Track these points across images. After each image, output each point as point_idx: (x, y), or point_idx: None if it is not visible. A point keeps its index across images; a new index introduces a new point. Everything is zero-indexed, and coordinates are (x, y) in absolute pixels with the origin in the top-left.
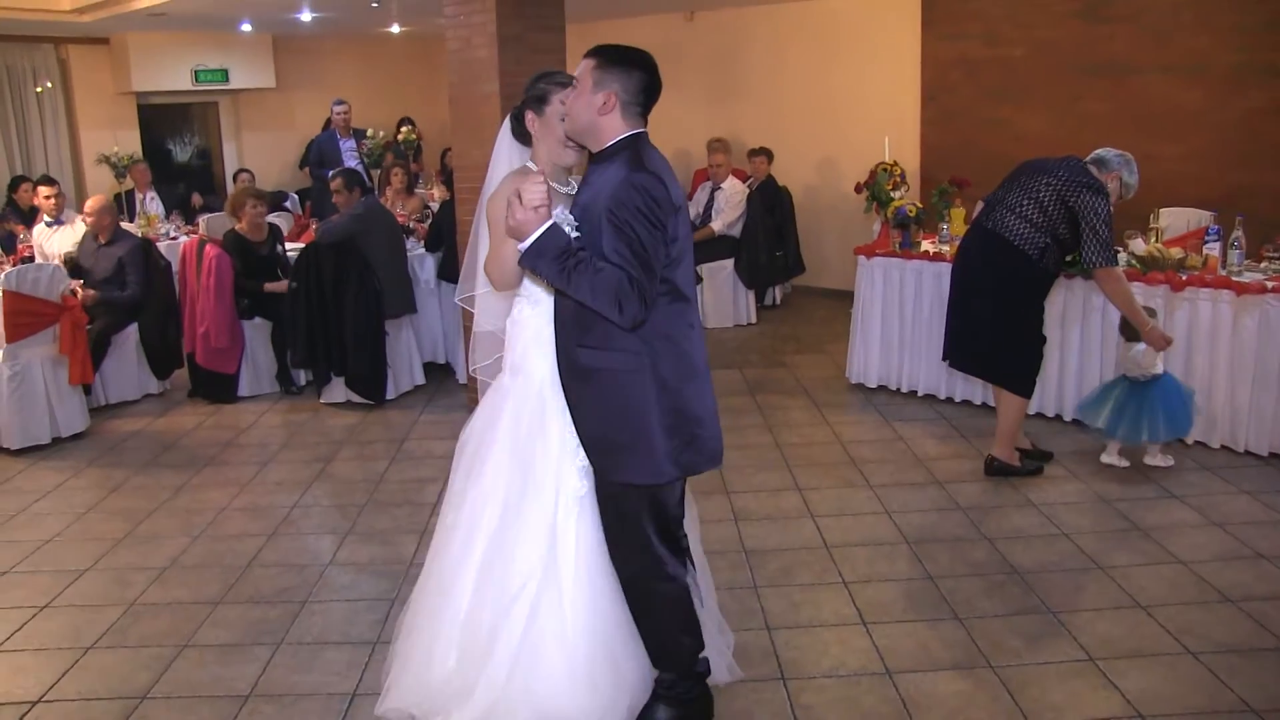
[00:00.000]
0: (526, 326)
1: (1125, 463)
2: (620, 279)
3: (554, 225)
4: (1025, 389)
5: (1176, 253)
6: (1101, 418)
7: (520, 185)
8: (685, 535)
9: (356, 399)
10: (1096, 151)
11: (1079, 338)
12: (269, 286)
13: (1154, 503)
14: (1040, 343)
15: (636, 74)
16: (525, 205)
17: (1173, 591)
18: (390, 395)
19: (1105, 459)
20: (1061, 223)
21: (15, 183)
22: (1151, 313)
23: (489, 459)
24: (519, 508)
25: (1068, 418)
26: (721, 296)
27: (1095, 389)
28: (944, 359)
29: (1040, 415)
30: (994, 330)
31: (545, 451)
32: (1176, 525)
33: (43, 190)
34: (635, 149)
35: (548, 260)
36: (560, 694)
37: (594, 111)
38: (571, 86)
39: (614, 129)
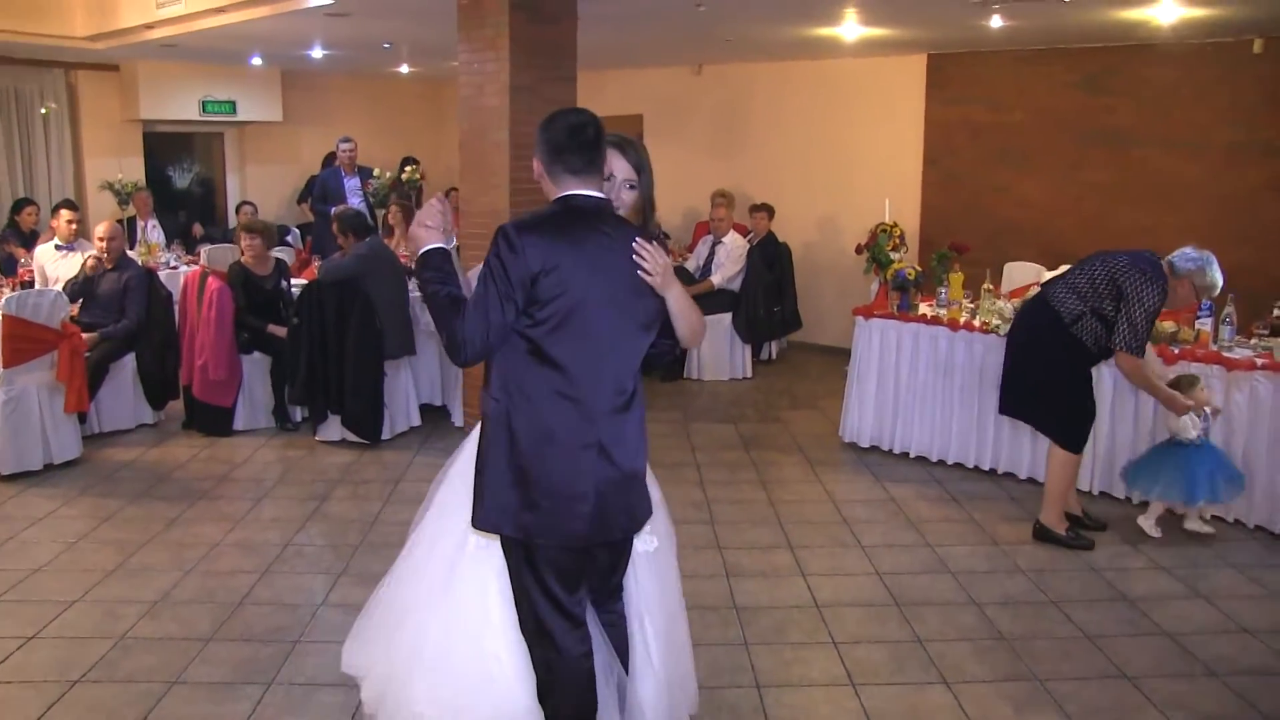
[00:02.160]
0: None
1: (1159, 533)
2: (455, 314)
3: (439, 248)
4: (1071, 443)
5: (1169, 326)
6: (1144, 478)
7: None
8: (583, 609)
9: (352, 438)
10: (1177, 251)
11: (1133, 411)
12: (271, 328)
13: (1141, 573)
14: (1084, 406)
15: (550, 135)
16: (418, 221)
17: (1159, 663)
18: (386, 435)
19: (1142, 522)
20: (1106, 299)
21: (19, 205)
22: (1193, 380)
23: (435, 495)
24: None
25: (1096, 491)
26: (719, 350)
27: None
28: (999, 410)
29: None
30: (1033, 384)
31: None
32: (1163, 596)
33: (64, 214)
34: (562, 211)
35: (422, 273)
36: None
37: (537, 179)
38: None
39: (550, 192)
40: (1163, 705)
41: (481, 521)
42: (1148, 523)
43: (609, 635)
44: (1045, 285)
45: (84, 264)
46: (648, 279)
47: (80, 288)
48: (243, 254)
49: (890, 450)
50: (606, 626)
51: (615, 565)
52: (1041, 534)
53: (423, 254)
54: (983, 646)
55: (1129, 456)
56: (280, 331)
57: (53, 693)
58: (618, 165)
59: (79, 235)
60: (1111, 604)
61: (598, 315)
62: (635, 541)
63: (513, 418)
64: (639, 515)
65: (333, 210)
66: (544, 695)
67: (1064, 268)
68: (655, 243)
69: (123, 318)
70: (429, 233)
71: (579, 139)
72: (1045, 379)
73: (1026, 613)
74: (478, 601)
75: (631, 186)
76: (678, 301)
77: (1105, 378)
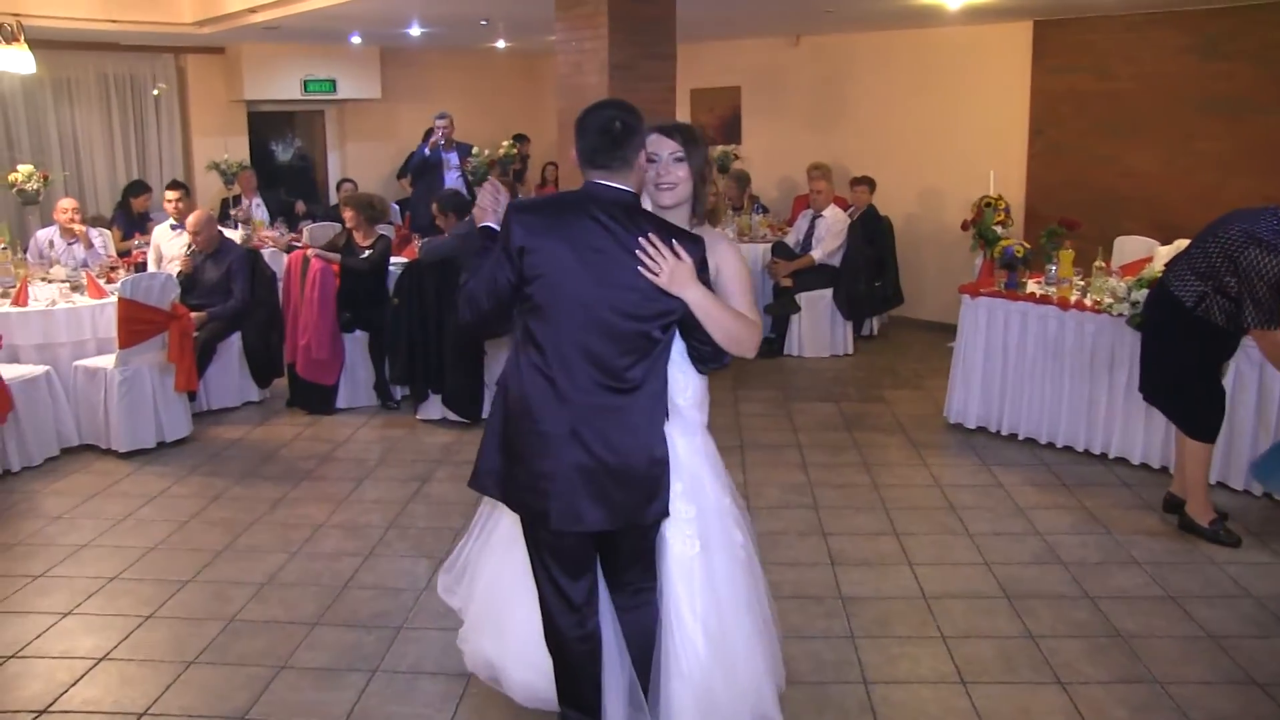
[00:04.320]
0: None
1: None
2: (468, 281)
3: (488, 226)
4: (1198, 433)
5: None
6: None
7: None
8: (584, 595)
9: (452, 417)
10: None
11: (1255, 397)
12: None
13: (1269, 569)
14: (1211, 392)
15: (580, 128)
16: (477, 204)
17: None
18: (486, 415)
19: None
20: (1227, 274)
21: (135, 189)
22: None
23: None
24: None
25: (1214, 481)
26: (819, 326)
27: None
28: (1140, 390)
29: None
30: (1163, 372)
31: None
32: None
33: (170, 194)
34: (565, 197)
35: (473, 245)
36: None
37: (574, 166)
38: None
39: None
40: None
41: (473, 480)
42: None
43: (626, 626)
44: (1167, 267)
45: (180, 264)
46: (651, 277)
47: (185, 281)
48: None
49: (997, 432)
50: (623, 611)
51: (620, 558)
52: (1186, 525)
53: (483, 227)
54: (1097, 644)
55: (1250, 446)
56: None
57: (169, 673)
58: (664, 145)
59: (189, 212)
60: (1236, 601)
61: (574, 301)
62: (673, 543)
63: (508, 388)
64: (627, 511)
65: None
66: (554, 671)
67: (1179, 242)
68: (678, 244)
69: (229, 299)
70: (481, 213)
71: (604, 135)
72: (1173, 367)
73: (1143, 609)
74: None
75: (679, 159)
76: (699, 305)
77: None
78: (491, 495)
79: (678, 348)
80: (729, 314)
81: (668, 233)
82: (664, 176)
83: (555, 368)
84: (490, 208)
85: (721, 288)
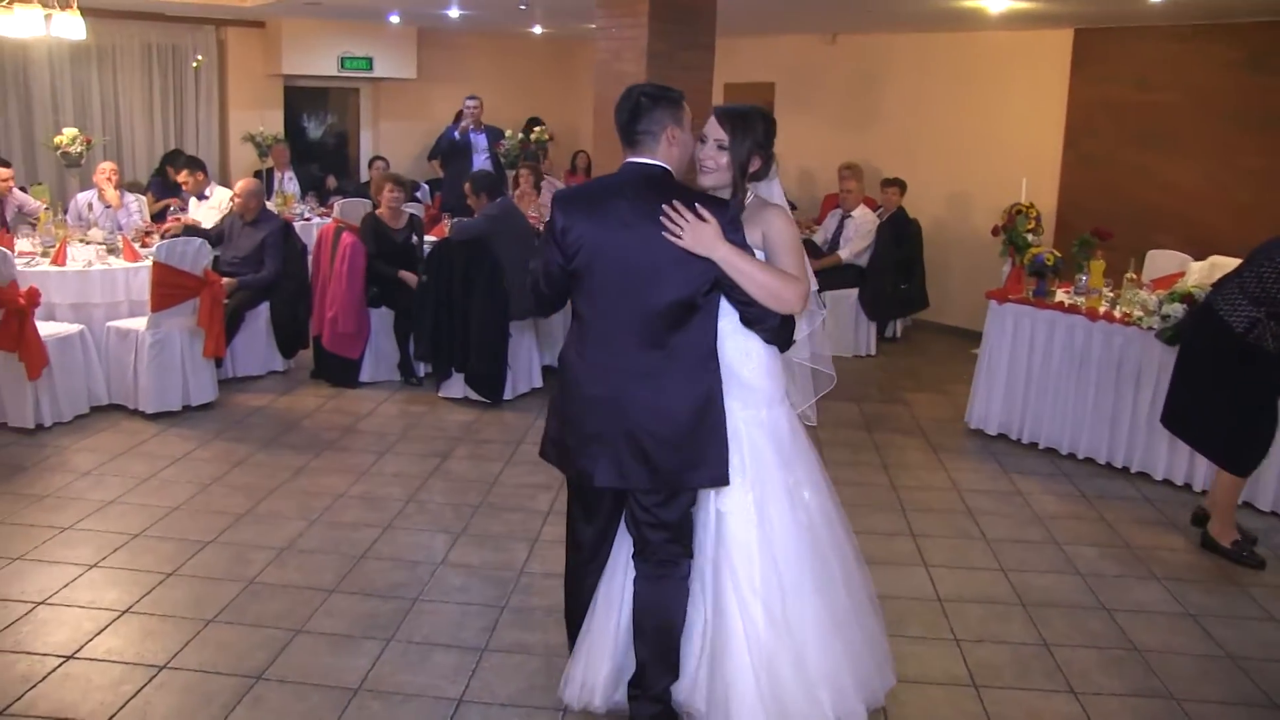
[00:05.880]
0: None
1: None
2: (532, 265)
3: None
4: (1236, 468)
5: None
6: None
7: None
8: (591, 540)
9: (474, 396)
10: None
11: None
12: (403, 274)
13: None
14: (1257, 427)
15: (615, 115)
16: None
17: None
18: (508, 396)
19: None
20: None
21: (173, 157)
22: None
23: None
24: None
25: (1239, 501)
26: (843, 325)
27: None
28: (1161, 420)
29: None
30: (1200, 401)
31: None
32: None
33: (182, 174)
34: (604, 178)
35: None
36: None
37: None
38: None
39: None
40: None
41: (541, 450)
42: None
43: (643, 595)
44: (1214, 287)
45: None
46: (675, 241)
47: (213, 237)
48: (379, 205)
49: (1018, 440)
50: (644, 580)
51: (649, 516)
52: (1208, 544)
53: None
54: (1112, 656)
55: None
56: (411, 279)
57: (189, 629)
58: (714, 130)
59: (204, 186)
60: (1258, 624)
61: (610, 275)
62: (729, 516)
63: (563, 359)
64: (668, 474)
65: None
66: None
67: (1215, 259)
68: (701, 207)
69: (261, 269)
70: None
71: (622, 115)
72: (1209, 395)
73: (1161, 624)
74: None
75: (721, 147)
76: (728, 262)
77: None
78: (551, 462)
79: (736, 317)
80: (762, 268)
81: (692, 198)
82: (704, 160)
83: (598, 338)
84: None
85: (770, 251)
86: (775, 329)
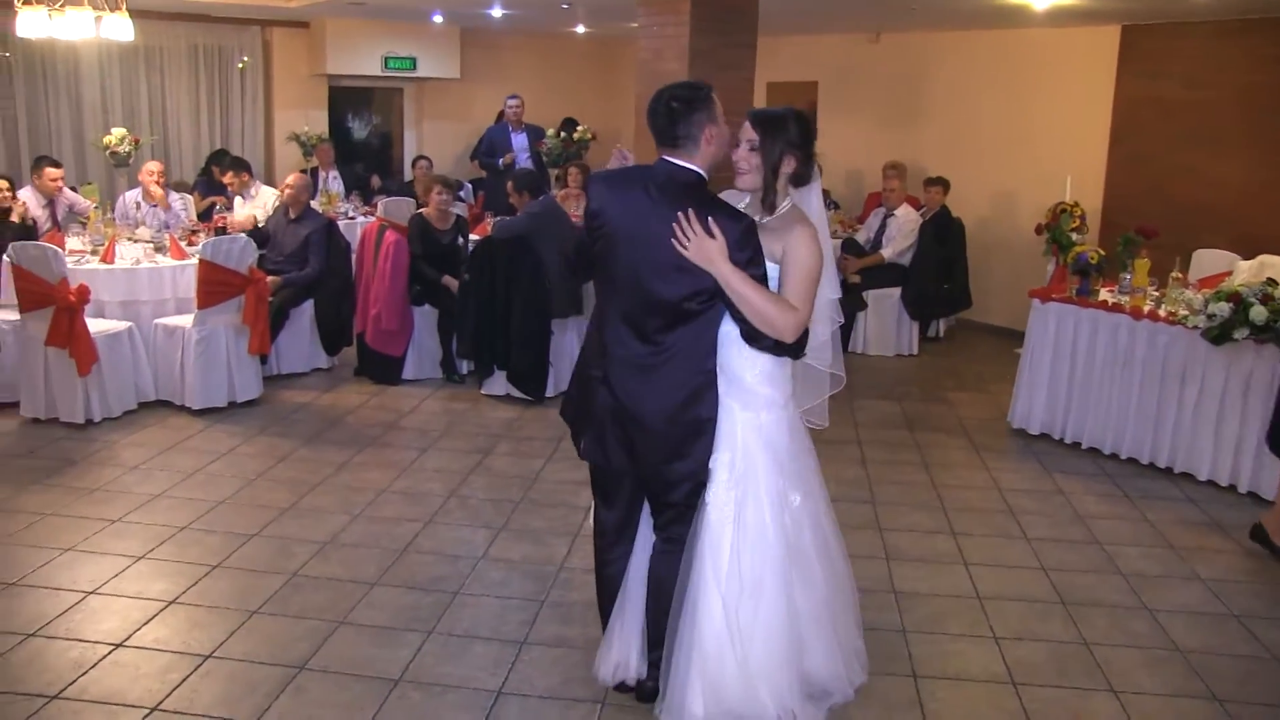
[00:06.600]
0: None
1: None
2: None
3: None
4: None
5: None
6: None
7: None
8: (614, 525)
9: (516, 393)
10: None
11: None
12: (445, 280)
13: None
14: None
15: (647, 113)
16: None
17: None
18: (549, 393)
19: None
20: None
21: (218, 157)
22: None
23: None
24: None
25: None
26: (885, 324)
27: None
28: (1266, 440)
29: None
30: None
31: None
32: None
33: (228, 175)
34: (634, 169)
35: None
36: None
37: None
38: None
39: None
40: None
41: (561, 409)
42: None
43: (651, 566)
44: None
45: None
46: (680, 250)
47: (258, 235)
48: (426, 205)
49: (1061, 440)
50: (655, 553)
51: (652, 501)
52: (1258, 536)
53: None
54: (1154, 656)
55: None
56: (453, 284)
57: (234, 620)
58: (747, 132)
59: (247, 187)
60: None
61: (619, 263)
62: (710, 509)
63: (586, 333)
64: (648, 461)
65: (500, 162)
66: None
67: (1264, 258)
68: (715, 221)
69: (305, 267)
70: None
71: (656, 116)
72: None
73: (1204, 625)
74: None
75: (753, 148)
76: (726, 281)
77: None
78: (565, 420)
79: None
80: (759, 293)
81: (711, 209)
82: (739, 161)
83: (606, 322)
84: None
85: (783, 271)
86: (773, 346)
